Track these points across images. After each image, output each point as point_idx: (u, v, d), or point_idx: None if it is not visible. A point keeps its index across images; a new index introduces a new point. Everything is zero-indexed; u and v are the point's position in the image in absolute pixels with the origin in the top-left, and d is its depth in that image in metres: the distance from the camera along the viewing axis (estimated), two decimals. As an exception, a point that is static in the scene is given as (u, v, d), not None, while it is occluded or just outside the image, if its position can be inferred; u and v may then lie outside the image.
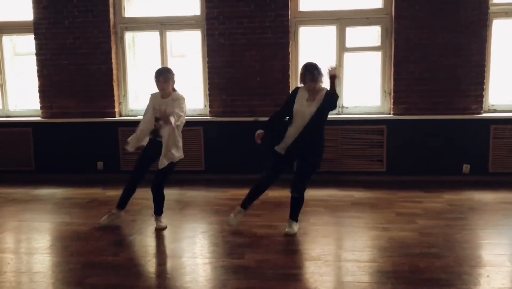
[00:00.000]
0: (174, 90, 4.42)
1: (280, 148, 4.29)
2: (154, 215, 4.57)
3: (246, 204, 4.47)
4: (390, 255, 3.78)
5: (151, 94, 4.51)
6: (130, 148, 4.47)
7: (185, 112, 4.38)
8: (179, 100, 4.32)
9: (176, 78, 4.41)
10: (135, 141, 4.46)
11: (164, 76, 4.30)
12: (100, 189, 6.13)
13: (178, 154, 4.39)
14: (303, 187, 4.28)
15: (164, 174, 4.41)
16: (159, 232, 4.43)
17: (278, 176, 4.39)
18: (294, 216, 4.37)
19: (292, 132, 4.23)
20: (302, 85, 4.28)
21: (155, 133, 4.40)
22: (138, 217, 4.93)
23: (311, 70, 4.13)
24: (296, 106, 4.24)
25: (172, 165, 4.39)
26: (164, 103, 4.33)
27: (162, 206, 4.55)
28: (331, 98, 4.09)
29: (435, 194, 5.57)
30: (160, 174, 4.40)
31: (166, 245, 4.18)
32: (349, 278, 3.41)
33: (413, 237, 4.17)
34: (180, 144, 4.41)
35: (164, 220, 4.57)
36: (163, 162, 4.30)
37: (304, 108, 4.19)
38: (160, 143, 4.31)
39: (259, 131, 4.34)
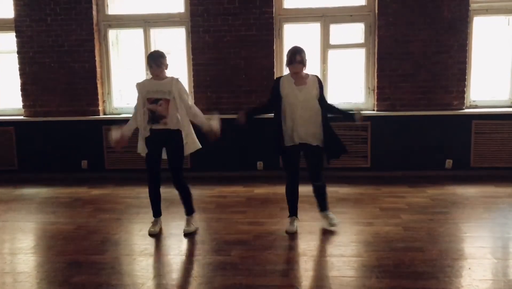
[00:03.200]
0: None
1: (287, 141, 4.17)
2: (186, 217, 4.42)
3: (292, 211, 4.36)
4: (375, 250, 3.83)
5: (137, 84, 4.22)
6: (114, 140, 4.16)
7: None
8: (180, 83, 4.17)
9: (168, 61, 4.21)
10: (126, 129, 4.19)
11: (156, 61, 4.08)
12: (85, 188, 6.09)
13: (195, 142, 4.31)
14: (322, 174, 4.29)
15: (180, 167, 4.26)
16: (145, 231, 4.40)
17: (298, 169, 4.28)
18: (325, 206, 4.39)
19: (291, 122, 4.13)
20: (287, 71, 4.18)
21: (154, 119, 4.12)
22: (124, 216, 4.91)
23: (299, 52, 4.08)
24: (285, 93, 4.13)
25: (183, 154, 4.27)
26: (161, 85, 4.11)
27: (192, 203, 4.40)
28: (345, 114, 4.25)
29: (419, 189, 5.65)
30: (176, 168, 4.22)
31: (152, 243, 4.16)
32: (334, 272, 3.44)
33: (397, 231, 4.23)
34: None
35: (194, 221, 4.43)
36: (189, 148, 4.23)
37: (295, 93, 4.10)
38: (162, 132, 4.13)
39: (241, 113, 4.34)
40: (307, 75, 4.20)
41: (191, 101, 4.30)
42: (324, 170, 4.34)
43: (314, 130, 4.16)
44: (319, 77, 4.35)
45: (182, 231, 4.33)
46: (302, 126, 4.13)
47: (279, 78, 4.27)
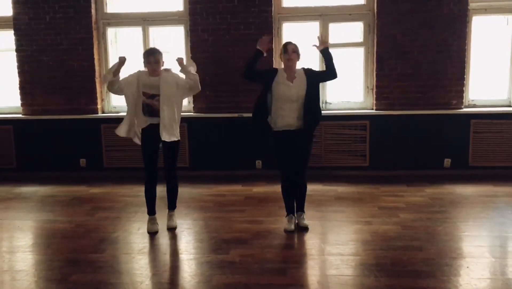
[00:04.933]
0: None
1: (278, 127, 4.16)
2: (169, 212, 4.50)
3: (289, 209, 4.37)
4: (373, 248, 3.83)
5: (138, 70, 4.31)
6: (122, 132, 4.25)
7: None
8: (173, 73, 4.28)
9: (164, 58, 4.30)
10: (128, 124, 4.24)
11: (156, 57, 4.16)
12: (83, 186, 6.09)
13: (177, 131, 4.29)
14: (306, 173, 4.30)
15: (176, 162, 4.36)
16: (143, 229, 4.40)
17: (291, 166, 4.24)
18: (302, 206, 4.40)
19: (283, 114, 4.13)
20: (282, 65, 4.24)
21: (151, 113, 4.16)
22: (122, 214, 4.90)
23: (293, 44, 4.19)
24: (277, 86, 4.14)
25: (178, 147, 4.33)
26: (156, 81, 4.17)
27: (177, 199, 4.50)
28: (328, 66, 4.20)
29: (417, 188, 5.65)
30: (172, 163, 4.32)
31: (151, 242, 4.16)
32: (332, 271, 3.45)
33: (396, 230, 4.24)
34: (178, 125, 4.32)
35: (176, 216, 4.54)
36: (172, 136, 4.20)
37: (287, 88, 4.12)
38: (158, 127, 4.15)
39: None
40: (298, 69, 4.24)
41: (188, 78, 4.29)
42: (308, 170, 4.35)
43: (307, 123, 4.16)
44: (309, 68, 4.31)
45: (167, 227, 4.41)
46: (288, 116, 4.14)
47: (276, 70, 4.29)
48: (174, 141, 4.26)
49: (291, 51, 4.13)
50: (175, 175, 4.40)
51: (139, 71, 4.31)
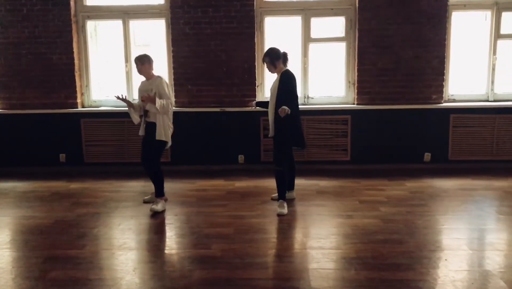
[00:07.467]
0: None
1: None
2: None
3: (283, 195, 4.72)
4: (354, 242, 3.87)
5: (141, 82, 4.88)
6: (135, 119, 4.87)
7: (169, 93, 4.70)
8: (160, 81, 4.66)
9: (152, 62, 4.79)
10: (133, 112, 4.86)
11: (141, 60, 4.68)
12: (63, 181, 6.00)
13: (164, 135, 4.67)
14: (279, 160, 4.65)
15: (151, 150, 4.69)
16: (124, 225, 4.36)
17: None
18: (278, 195, 4.75)
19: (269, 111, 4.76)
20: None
21: (144, 113, 4.75)
22: (102, 210, 4.85)
23: (264, 54, 4.69)
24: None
25: (158, 142, 4.68)
26: (148, 84, 4.69)
27: (161, 187, 4.78)
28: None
29: (398, 182, 5.72)
30: (147, 155, 4.70)
31: (132, 237, 4.12)
32: (314, 265, 3.46)
33: (376, 224, 4.28)
34: (168, 128, 4.73)
35: (161, 204, 4.76)
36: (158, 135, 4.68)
37: (272, 87, 4.71)
38: (150, 125, 4.67)
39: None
40: (283, 68, 4.67)
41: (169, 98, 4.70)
42: (282, 158, 4.66)
43: (276, 116, 4.57)
44: (289, 71, 4.66)
45: (150, 210, 4.69)
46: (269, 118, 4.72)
47: None
48: (151, 137, 4.69)
49: (264, 63, 4.71)
50: (150, 162, 4.79)
51: (141, 82, 4.87)
